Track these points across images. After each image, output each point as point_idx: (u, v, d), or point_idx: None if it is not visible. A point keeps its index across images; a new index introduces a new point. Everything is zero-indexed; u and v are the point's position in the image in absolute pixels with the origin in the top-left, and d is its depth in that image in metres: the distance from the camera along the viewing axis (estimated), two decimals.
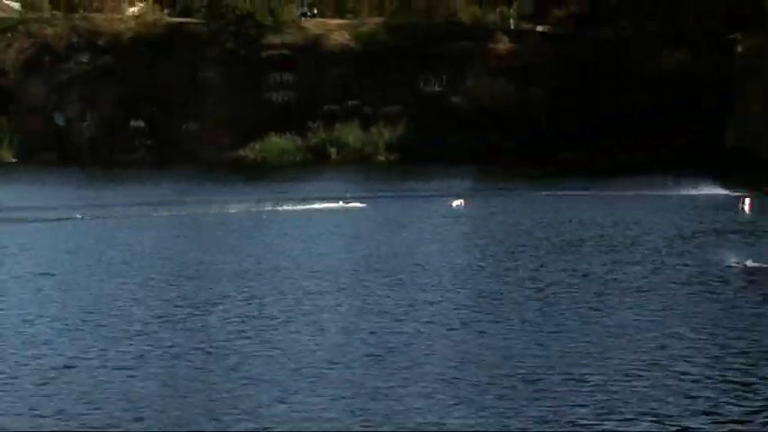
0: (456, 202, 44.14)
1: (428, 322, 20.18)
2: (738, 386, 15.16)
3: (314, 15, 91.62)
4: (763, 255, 27.84)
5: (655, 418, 13.64)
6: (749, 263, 26.42)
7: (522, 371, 16.11)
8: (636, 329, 19.18)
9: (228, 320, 20.43)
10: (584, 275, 25.64)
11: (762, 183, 46.87)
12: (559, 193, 51.25)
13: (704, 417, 13.71)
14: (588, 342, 18.12)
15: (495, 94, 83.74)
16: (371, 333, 19.16)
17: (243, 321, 20.27)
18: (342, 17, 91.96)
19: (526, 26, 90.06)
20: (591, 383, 15.36)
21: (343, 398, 14.82)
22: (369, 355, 17.35)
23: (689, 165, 63.51)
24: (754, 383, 15.32)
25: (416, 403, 14.53)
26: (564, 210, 42.49)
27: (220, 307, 21.83)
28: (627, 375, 15.82)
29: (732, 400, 14.37)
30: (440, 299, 22.85)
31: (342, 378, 15.96)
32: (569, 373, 15.94)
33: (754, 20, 76.17)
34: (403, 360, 17.01)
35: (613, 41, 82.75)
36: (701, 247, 30.35)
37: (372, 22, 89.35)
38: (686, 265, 26.70)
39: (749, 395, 14.69)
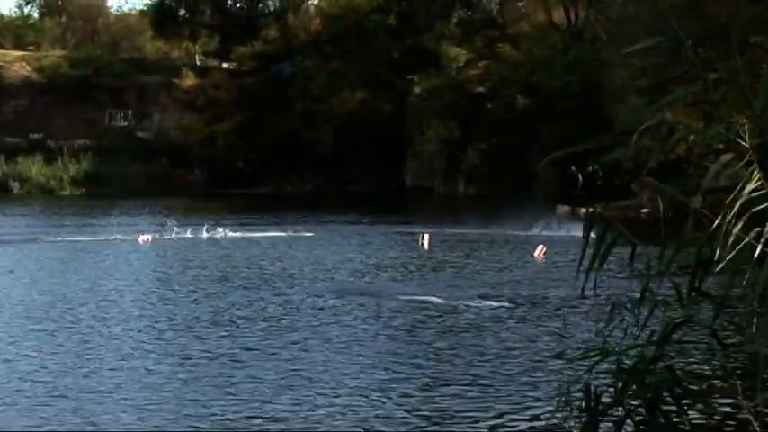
0: (143, 238, 43.88)
1: (99, 358, 20.28)
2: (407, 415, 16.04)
3: None
4: (438, 288, 29.31)
5: None
6: (426, 296, 27.77)
7: (194, 409, 16.46)
8: (321, 361, 19.85)
9: None
10: (271, 309, 26.17)
11: (437, 220, 49.05)
12: (247, 227, 51.84)
13: None
14: (264, 375, 18.65)
15: (182, 128, 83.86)
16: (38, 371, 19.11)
17: None
18: (22, 48, 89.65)
19: (212, 62, 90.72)
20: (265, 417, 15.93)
21: None
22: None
23: (373, 202, 65.63)
24: (428, 414, 16.26)
25: None
26: (251, 244, 43.06)
27: None
28: (303, 409, 16.44)
29: None
30: (119, 333, 22.96)
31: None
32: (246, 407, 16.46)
33: (431, 62, 79.59)
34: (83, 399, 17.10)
35: (299, 79, 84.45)
36: (383, 281, 31.52)
37: (55, 54, 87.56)
38: (368, 299, 27.60)
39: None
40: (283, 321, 24.48)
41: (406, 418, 15.94)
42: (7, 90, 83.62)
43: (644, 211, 40.18)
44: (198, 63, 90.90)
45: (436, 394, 17.38)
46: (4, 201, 71.28)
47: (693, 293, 4.57)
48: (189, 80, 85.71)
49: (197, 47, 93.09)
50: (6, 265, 36.09)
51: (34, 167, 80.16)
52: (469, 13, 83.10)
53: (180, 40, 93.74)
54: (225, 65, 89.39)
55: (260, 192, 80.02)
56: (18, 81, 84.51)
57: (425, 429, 15.32)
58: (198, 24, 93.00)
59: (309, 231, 48.48)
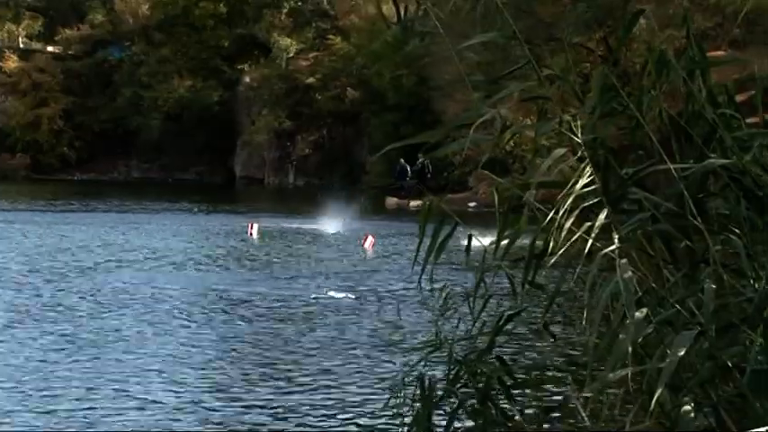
0: None
1: None
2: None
3: None
4: (269, 279, 29.25)
5: None
6: (257, 287, 27.66)
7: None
8: (149, 356, 19.58)
9: None
10: (91, 299, 25.64)
11: (268, 209, 48.96)
12: (73, 212, 50.86)
13: None
14: (84, 373, 18.33)
15: (5, 112, 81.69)
16: None
17: None
18: None
19: (36, 45, 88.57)
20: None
21: None
22: None
23: (202, 191, 65.12)
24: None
25: None
26: (78, 230, 42.21)
27: None
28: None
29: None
30: None
31: None
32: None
33: (261, 51, 79.44)
34: None
35: (127, 65, 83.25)
36: (213, 272, 31.30)
37: None
38: (197, 290, 27.36)
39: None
40: (106, 313, 24.01)
41: (241, 413, 15.84)
42: None
43: (472, 204, 40.87)
44: (21, 46, 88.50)
45: (270, 388, 17.31)
46: None
47: (527, 286, 4.66)
48: (12, 63, 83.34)
49: (20, 29, 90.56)
50: None
51: None
52: (300, 3, 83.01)
53: (2, 21, 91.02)
54: (50, 48, 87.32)
55: (85, 178, 78.58)
56: None
57: (261, 424, 15.25)
58: (21, 6, 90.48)
59: (136, 219, 47.79)
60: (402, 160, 59.43)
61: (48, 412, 15.52)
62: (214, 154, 78.19)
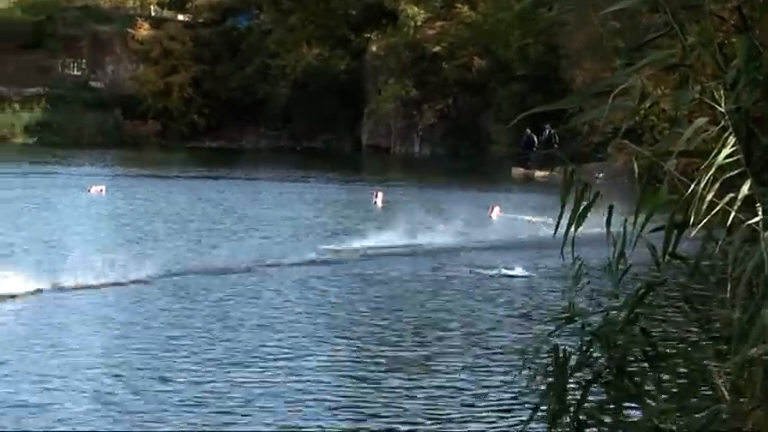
0: (96, 188, 43.51)
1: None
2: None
3: None
4: (394, 249, 29.25)
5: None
6: (383, 257, 27.71)
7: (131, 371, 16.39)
8: (277, 331, 19.72)
9: None
10: (226, 259, 26.02)
11: (391, 178, 49.03)
12: (205, 179, 51.67)
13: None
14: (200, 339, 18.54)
15: (137, 79, 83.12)
16: None
17: None
18: None
19: (167, 13, 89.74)
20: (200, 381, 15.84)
21: None
22: None
23: (329, 159, 65.52)
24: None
25: None
26: (209, 196, 42.92)
27: None
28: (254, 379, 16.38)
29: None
30: (77, 282, 22.77)
31: None
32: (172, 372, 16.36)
33: (388, 20, 79.30)
34: None
35: (255, 33, 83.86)
36: (336, 236, 31.47)
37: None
38: (317, 256, 27.46)
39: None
40: (239, 279, 24.29)
41: (370, 381, 15.91)
42: None
43: (600, 175, 40.24)
44: (153, 14, 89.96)
45: (401, 356, 17.35)
46: None
47: (668, 257, 4.56)
48: (144, 31, 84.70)
49: None
50: None
51: None
52: None
53: None
54: (180, 16, 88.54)
55: (214, 145, 79.71)
56: None
57: (395, 391, 15.28)
58: None
59: (268, 187, 48.33)
60: (528, 130, 58.95)
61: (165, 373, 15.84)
62: (341, 122, 78.55)
